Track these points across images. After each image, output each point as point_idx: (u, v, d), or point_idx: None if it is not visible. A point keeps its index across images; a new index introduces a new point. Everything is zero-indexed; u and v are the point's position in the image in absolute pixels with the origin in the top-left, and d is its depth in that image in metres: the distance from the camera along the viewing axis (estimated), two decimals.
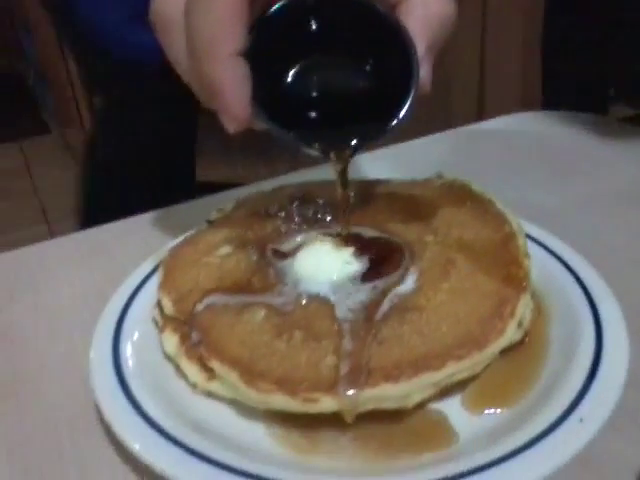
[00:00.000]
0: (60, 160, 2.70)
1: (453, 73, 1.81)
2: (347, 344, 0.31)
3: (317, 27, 0.36)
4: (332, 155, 0.37)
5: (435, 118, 0.88)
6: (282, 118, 0.35)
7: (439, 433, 0.31)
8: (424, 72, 0.35)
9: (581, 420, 0.29)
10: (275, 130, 0.35)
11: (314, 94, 0.37)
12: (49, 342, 0.42)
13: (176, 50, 0.36)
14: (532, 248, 0.39)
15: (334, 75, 0.37)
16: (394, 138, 0.66)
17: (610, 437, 0.31)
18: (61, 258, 0.51)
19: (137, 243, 0.51)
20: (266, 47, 0.34)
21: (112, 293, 0.40)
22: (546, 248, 0.41)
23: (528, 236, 0.40)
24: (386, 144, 0.64)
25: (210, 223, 0.44)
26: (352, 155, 0.37)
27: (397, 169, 0.47)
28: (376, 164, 0.60)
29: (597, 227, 0.49)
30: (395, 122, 0.35)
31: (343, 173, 0.38)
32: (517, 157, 0.63)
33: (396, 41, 0.35)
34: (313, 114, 0.37)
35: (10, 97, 3.20)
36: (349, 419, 0.30)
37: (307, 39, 0.36)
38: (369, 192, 0.43)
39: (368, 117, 0.37)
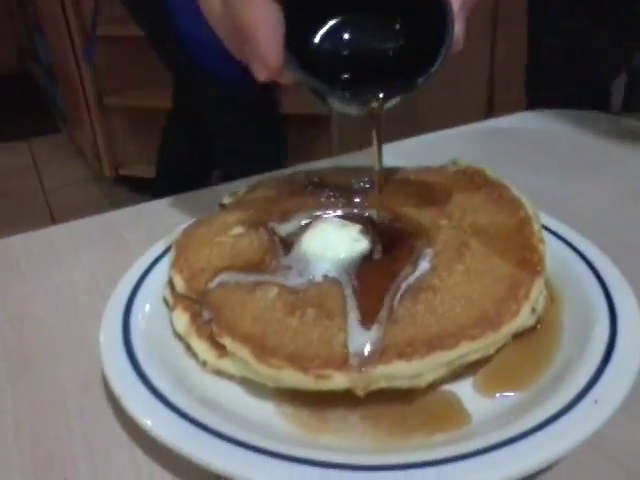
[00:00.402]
0: (68, 159, 2.71)
1: (463, 71, 1.81)
2: (360, 323, 0.31)
3: None
4: (362, 105, 0.36)
5: (445, 116, 0.87)
6: (313, 71, 0.34)
7: (452, 414, 0.31)
8: (458, 28, 0.34)
9: (596, 402, 0.29)
10: (307, 79, 0.34)
11: (345, 51, 0.37)
12: (60, 323, 0.42)
13: None
14: (546, 237, 0.39)
15: (365, 32, 0.37)
16: (405, 133, 0.66)
17: (624, 422, 0.31)
18: (73, 242, 0.51)
19: (150, 228, 0.51)
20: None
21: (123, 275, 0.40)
22: (560, 237, 0.40)
23: (542, 226, 0.40)
24: (397, 138, 0.65)
25: (223, 207, 0.44)
26: (382, 105, 0.36)
27: (408, 163, 0.46)
28: (388, 158, 0.60)
29: (609, 220, 0.49)
30: (426, 76, 0.35)
31: (374, 115, 0.37)
32: (526, 153, 0.63)
33: None
34: (343, 70, 0.36)
35: (21, 96, 3.23)
36: (361, 394, 0.30)
37: None
38: (384, 178, 0.43)
39: (398, 74, 0.36)
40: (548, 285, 0.38)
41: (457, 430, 0.30)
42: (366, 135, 0.64)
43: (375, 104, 0.36)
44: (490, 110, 1.92)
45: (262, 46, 0.32)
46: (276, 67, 0.33)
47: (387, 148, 0.62)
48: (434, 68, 0.34)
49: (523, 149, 0.64)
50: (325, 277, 0.34)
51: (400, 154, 0.62)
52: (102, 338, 0.35)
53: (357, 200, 0.41)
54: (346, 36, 0.36)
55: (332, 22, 0.36)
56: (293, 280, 0.34)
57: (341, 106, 0.37)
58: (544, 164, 0.61)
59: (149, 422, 0.30)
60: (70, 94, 2.49)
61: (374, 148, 0.38)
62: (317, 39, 0.36)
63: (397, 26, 0.37)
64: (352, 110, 0.37)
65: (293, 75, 0.34)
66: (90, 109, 2.36)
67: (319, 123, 2.07)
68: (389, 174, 0.44)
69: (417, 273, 0.33)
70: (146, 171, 2.38)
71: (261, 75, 0.34)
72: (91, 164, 2.53)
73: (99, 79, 2.31)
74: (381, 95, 0.36)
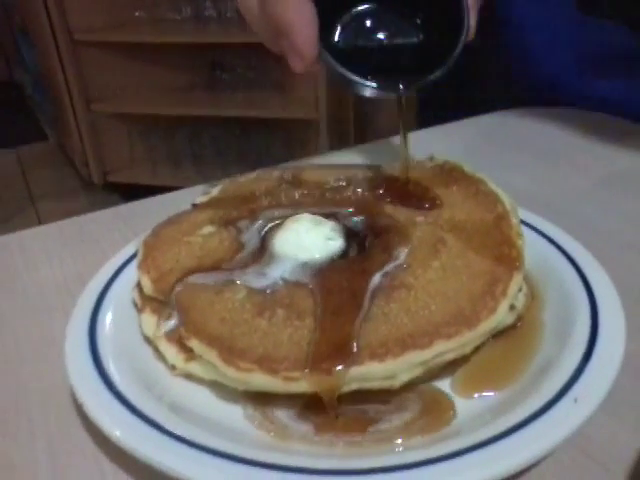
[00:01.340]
0: (56, 167, 2.69)
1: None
2: (331, 322, 0.30)
3: None
4: (390, 92, 0.40)
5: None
6: (342, 62, 0.38)
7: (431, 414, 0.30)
8: (472, 20, 0.38)
9: (575, 400, 0.28)
10: (341, 70, 0.37)
11: (369, 42, 0.41)
12: (27, 326, 0.40)
13: None
14: (526, 233, 0.38)
15: (387, 23, 0.41)
16: (390, 131, 0.66)
17: (605, 421, 0.30)
18: (44, 245, 0.50)
19: (124, 230, 0.50)
20: None
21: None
22: (540, 233, 0.39)
23: (522, 221, 0.39)
24: (385, 126, 0.64)
25: (195, 206, 0.42)
26: (406, 92, 0.39)
27: (392, 159, 0.46)
28: (368, 157, 0.59)
29: (589, 214, 0.49)
30: (445, 66, 0.38)
31: (400, 103, 0.40)
32: (508, 150, 0.63)
33: None
34: (368, 59, 0.40)
35: (8, 104, 3.21)
36: (328, 401, 0.28)
37: None
38: (360, 175, 0.42)
39: (418, 63, 0.40)
40: (529, 282, 0.37)
41: (435, 432, 0.29)
42: (357, 139, 0.64)
43: (402, 92, 0.39)
44: None
45: (299, 40, 0.36)
46: (311, 59, 0.36)
47: (366, 147, 0.63)
48: (452, 58, 0.38)
49: (500, 146, 0.64)
50: (296, 277, 0.33)
51: (379, 152, 0.62)
52: (67, 343, 0.33)
53: (332, 197, 0.40)
54: (370, 27, 0.40)
55: (357, 14, 0.40)
56: (263, 280, 0.33)
57: (369, 92, 0.39)
58: (520, 160, 0.60)
59: (116, 432, 0.28)
60: (57, 101, 2.47)
61: (400, 136, 0.41)
62: (344, 31, 0.40)
63: (417, 19, 0.40)
64: (378, 95, 0.40)
65: (326, 65, 0.38)
66: (77, 116, 2.35)
67: (309, 127, 2.06)
68: (366, 171, 0.43)
69: (391, 271, 0.32)
70: (135, 177, 2.37)
71: (297, 67, 0.37)
72: (79, 171, 2.52)
73: (86, 86, 2.30)
74: (404, 85, 0.39)
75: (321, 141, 2.00)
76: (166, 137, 2.37)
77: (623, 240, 0.45)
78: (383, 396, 0.30)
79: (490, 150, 0.62)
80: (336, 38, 0.40)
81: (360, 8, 0.40)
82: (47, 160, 2.77)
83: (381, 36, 0.41)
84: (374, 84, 0.38)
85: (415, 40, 0.41)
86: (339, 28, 0.40)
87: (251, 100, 2.18)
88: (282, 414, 0.30)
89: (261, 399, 0.31)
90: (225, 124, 2.25)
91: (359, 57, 0.40)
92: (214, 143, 2.33)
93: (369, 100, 1.91)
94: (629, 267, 0.41)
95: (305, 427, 0.29)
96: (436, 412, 0.30)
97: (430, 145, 0.45)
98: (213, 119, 2.23)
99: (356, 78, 0.38)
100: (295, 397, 0.29)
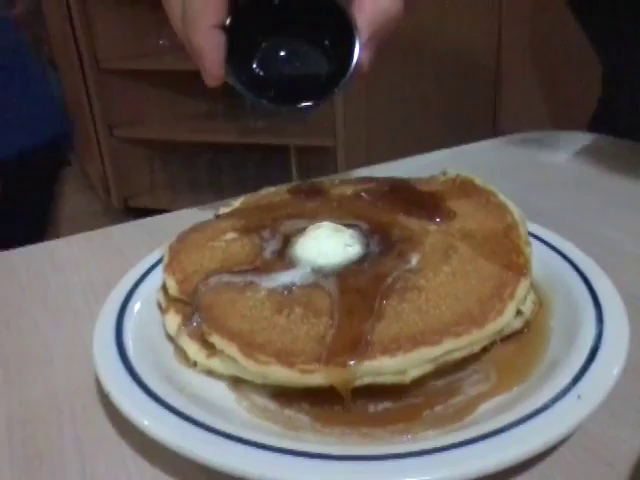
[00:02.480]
0: (78, 192, 2.74)
1: (468, 89, 1.84)
2: (346, 320, 0.32)
3: (287, 11, 0.44)
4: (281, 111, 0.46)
5: (450, 133, 0.89)
6: (254, 82, 0.44)
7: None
8: (364, 57, 0.43)
9: (579, 397, 0.29)
10: (239, 88, 0.44)
11: (279, 63, 0.46)
12: (56, 328, 0.42)
13: (175, 18, 0.44)
14: (535, 245, 0.39)
15: (298, 51, 0.46)
16: (407, 148, 0.68)
17: (609, 422, 0.31)
18: (72, 254, 0.52)
19: (148, 241, 0.52)
20: (246, 23, 0.43)
21: None
22: (548, 244, 0.41)
23: (531, 234, 0.40)
24: (401, 153, 0.66)
25: (218, 217, 0.45)
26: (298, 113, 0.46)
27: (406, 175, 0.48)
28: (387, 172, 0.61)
29: (599, 230, 0.50)
30: (326, 97, 0.45)
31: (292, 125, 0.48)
32: (526, 172, 0.64)
33: (348, 29, 0.43)
34: (275, 79, 0.46)
35: None
36: (344, 392, 0.30)
37: (276, 17, 0.45)
38: (373, 186, 0.44)
39: (317, 87, 0.45)
40: (537, 290, 0.38)
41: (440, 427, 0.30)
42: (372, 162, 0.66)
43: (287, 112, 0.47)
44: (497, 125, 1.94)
45: (206, 62, 0.42)
46: (218, 78, 0.43)
47: (388, 165, 0.65)
48: (334, 92, 0.44)
49: (521, 169, 0.65)
50: (315, 280, 0.35)
51: (393, 170, 0.64)
52: (95, 340, 0.35)
53: (349, 208, 0.42)
54: (285, 53, 0.46)
55: (277, 41, 0.46)
56: (283, 282, 0.35)
57: (266, 108, 0.46)
58: (538, 181, 0.62)
59: (142, 419, 0.29)
60: (81, 127, 2.54)
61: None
62: (257, 56, 0.45)
63: (325, 46, 0.45)
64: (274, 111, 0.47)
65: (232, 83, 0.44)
66: (100, 142, 2.41)
67: (326, 154, 2.09)
68: (379, 183, 0.45)
69: (404, 274, 0.34)
70: (155, 203, 2.41)
71: (208, 83, 0.43)
72: (100, 196, 2.56)
73: (110, 112, 2.36)
74: (289, 108, 0.46)
75: (338, 167, 2.03)
76: (186, 163, 2.42)
77: (630, 253, 0.47)
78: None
79: (506, 170, 0.64)
80: (254, 62, 0.46)
81: (279, 38, 0.46)
82: (69, 185, 2.81)
83: (292, 61, 0.46)
84: (265, 101, 0.44)
85: (319, 67, 0.46)
86: (258, 53, 0.45)
87: (270, 127, 2.22)
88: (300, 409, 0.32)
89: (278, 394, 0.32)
90: (244, 151, 2.30)
91: (271, 79, 0.46)
92: (233, 169, 2.37)
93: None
94: (635, 278, 0.43)
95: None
96: None
97: (448, 165, 0.46)
98: (232, 146, 2.28)
99: (249, 94, 0.44)
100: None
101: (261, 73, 0.45)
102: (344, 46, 0.43)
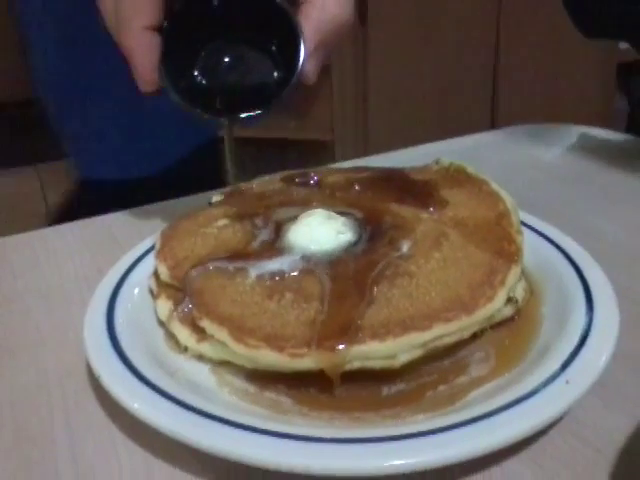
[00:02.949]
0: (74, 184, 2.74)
1: (466, 82, 1.84)
2: (337, 305, 0.32)
3: (228, 13, 0.41)
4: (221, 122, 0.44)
5: (447, 126, 0.89)
6: (195, 90, 0.42)
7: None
8: (309, 66, 0.40)
9: (567, 382, 0.29)
10: (173, 96, 0.41)
11: (222, 72, 0.43)
12: (47, 313, 0.42)
13: (107, 14, 0.41)
14: (527, 235, 0.39)
15: (243, 57, 0.43)
16: (404, 143, 0.68)
17: (597, 407, 0.32)
18: (65, 243, 0.52)
19: (142, 230, 0.51)
20: (184, 27, 0.40)
21: None
22: (540, 234, 0.41)
23: (523, 223, 0.40)
24: (399, 148, 0.67)
25: (211, 205, 0.45)
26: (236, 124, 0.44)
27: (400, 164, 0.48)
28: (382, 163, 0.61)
29: (592, 221, 0.50)
30: (265, 108, 0.42)
31: (229, 133, 0.45)
32: (520, 164, 0.64)
33: (293, 36, 0.40)
34: (218, 87, 0.43)
35: (30, 122, 3.28)
36: (333, 377, 0.30)
37: (220, 22, 0.42)
38: (366, 176, 0.44)
39: (262, 95, 0.43)
40: (529, 279, 0.38)
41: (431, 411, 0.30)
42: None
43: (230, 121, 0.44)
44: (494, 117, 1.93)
45: (137, 65, 0.39)
46: (150, 84, 0.40)
47: (385, 156, 0.65)
48: (273, 102, 0.42)
49: (516, 161, 0.65)
50: (306, 266, 0.35)
51: (388, 161, 0.64)
52: (86, 323, 0.35)
53: (342, 196, 0.42)
54: (226, 58, 0.43)
55: (216, 45, 0.43)
56: (274, 268, 0.35)
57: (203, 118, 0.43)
58: (533, 175, 0.62)
59: (132, 403, 0.30)
60: None
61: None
62: (199, 62, 0.43)
63: (270, 52, 0.43)
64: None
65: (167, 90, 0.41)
66: None
67: (324, 148, 2.09)
68: (372, 172, 0.45)
69: (395, 260, 0.34)
70: None
71: (140, 87, 0.40)
72: None
73: None
74: (229, 118, 0.43)
75: (336, 161, 2.02)
76: None
77: (620, 243, 0.47)
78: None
79: (502, 164, 0.64)
80: (194, 69, 0.43)
81: (220, 43, 0.43)
82: (66, 178, 2.82)
83: (235, 68, 0.44)
84: (199, 111, 0.42)
85: (265, 75, 0.43)
86: (198, 59, 0.43)
87: (267, 121, 2.21)
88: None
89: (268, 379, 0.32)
90: (241, 144, 2.29)
91: (213, 87, 0.43)
92: None
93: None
94: (629, 271, 0.43)
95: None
96: None
97: (444, 157, 0.46)
98: None
99: (182, 102, 0.41)
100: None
101: (203, 81, 0.43)
102: (291, 52, 0.41)
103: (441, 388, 0.32)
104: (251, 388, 0.32)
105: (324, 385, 0.31)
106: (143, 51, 0.39)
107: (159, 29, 0.39)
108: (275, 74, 0.43)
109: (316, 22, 0.40)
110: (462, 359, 0.33)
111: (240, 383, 0.33)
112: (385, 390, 0.32)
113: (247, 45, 0.43)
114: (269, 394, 0.32)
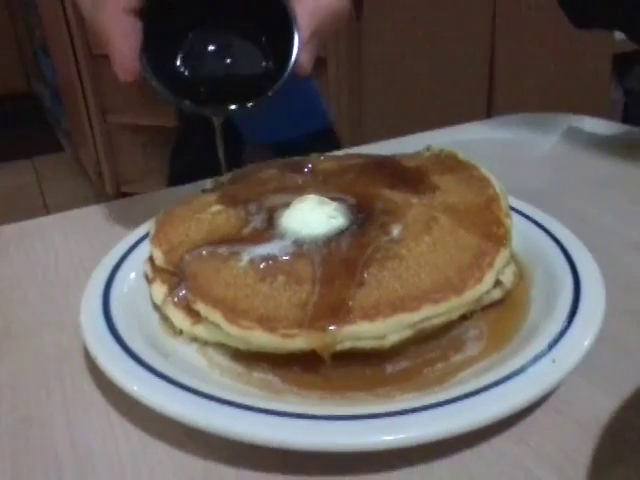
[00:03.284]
0: (71, 178, 2.74)
1: (461, 73, 1.84)
2: (328, 287, 0.32)
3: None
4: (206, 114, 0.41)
5: (443, 117, 0.89)
6: (177, 80, 0.39)
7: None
8: (304, 56, 0.38)
9: (553, 361, 0.30)
10: (156, 85, 0.38)
11: (208, 61, 0.41)
12: (45, 298, 0.43)
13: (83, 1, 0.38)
14: (516, 219, 0.40)
15: (231, 44, 0.41)
16: (400, 135, 0.68)
17: (582, 386, 0.32)
18: (62, 231, 0.53)
19: (140, 218, 0.52)
20: (167, 12, 0.38)
21: None
22: (530, 219, 0.42)
23: (513, 208, 0.41)
24: (395, 136, 0.67)
25: (205, 192, 0.45)
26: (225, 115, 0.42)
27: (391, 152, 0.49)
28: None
29: (582, 207, 0.51)
30: (260, 99, 0.40)
31: (219, 124, 0.42)
32: (513, 152, 0.65)
33: (286, 22, 0.38)
34: (203, 78, 0.41)
35: (26, 116, 3.28)
36: (325, 356, 0.31)
37: (203, 6, 0.39)
38: (358, 163, 0.45)
39: (250, 85, 0.41)
40: (518, 263, 0.39)
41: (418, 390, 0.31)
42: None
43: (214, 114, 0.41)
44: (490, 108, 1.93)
45: (116, 52, 0.37)
46: (130, 72, 0.37)
47: (378, 145, 0.66)
48: (270, 92, 0.39)
49: (507, 150, 0.66)
50: (298, 249, 0.36)
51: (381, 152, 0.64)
52: (83, 308, 0.36)
53: (334, 182, 0.42)
54: (213, 46, 0.41)
55: (202, 32, 0.40)
56: (267, 251, 0.35)
57: (190, 110, 0.41)
58: (525, 162, 0.62)
59: (129, 384, 0.30)
60: (74, 113, 2.53)
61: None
62: (184, 49, 0.40)
63: (260, 41, 0.41)
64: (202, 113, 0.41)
65: (148, 80, 0.38)
66: (93, 127, 2.40)
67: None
68: (364, 159, 0.45)
69: (385, 244, 0.35)
70: (147, 188, 2.40)
71: (119, 75, 0.38)
72: (93, 182, 2.56)
73: (103, 98, 2.35)
74: (216, 110, 0.41)
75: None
76: None
77: (616, 233, 0.48)
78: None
79: (496, 153, 0.64)
80: (178, 57, 0.41)
81: (206, 30, 0.41)
82: (62, 171, 2.82)
83: (223, 58, 0.42)
84: (187, 102, 0.40)
85: (253, 65, 0.41)
86: (182, 47, 0.41)
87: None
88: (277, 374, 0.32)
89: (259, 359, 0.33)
90: None
91: (197, 77, 0.41)
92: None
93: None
94: (619, 257, 0.44)
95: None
96: None
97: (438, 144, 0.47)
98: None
99: (166, 93, 0.39)
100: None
101: (186, 70, 0.40)
102: (282, 42, 0.38)
103: (439, 366, 0.33)
104: (239, 368, 0.33)
105: (308, 364, 0.32)
106: (122, 36, 0.36)
107: (139, 12, 0.37)
108: (264, 64, 0.41)
109: (311, 8, 0.38)
110: (457, 337, 0.34)
111: (228, 363, 0.33)
112: (386, 369, 0.32)
113: (233, 32, 0.41)
114: (257, 374, 0.32)
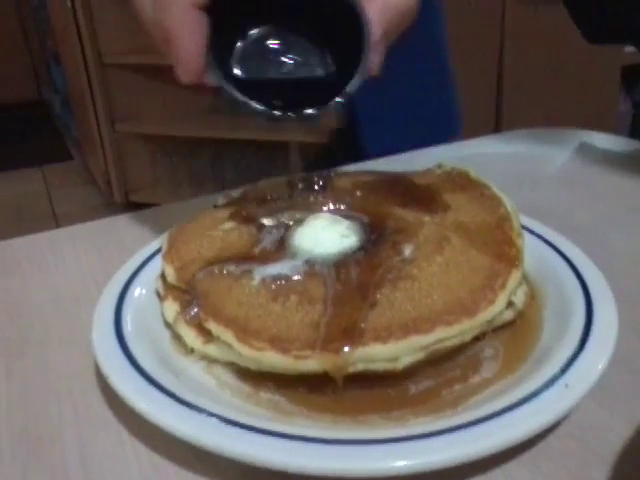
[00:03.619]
0: (80, 186, 2.76)
1: (470, 86, 1.84)
2: (340, 307, 0.32)
3: None
4: (276, 117, 0.38)
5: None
6: (236, 79, 0.37)
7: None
8: (375, 57, 0.36)
9: (566, 386, 0.30)
10: (227, 88, 0.36)
11: (273, 64, 0.39)
12: (56, 315, 0.43)
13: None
14: (528, 239, 0.40)
15: (292, 45, 0.39)
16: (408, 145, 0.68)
17: (595, 410, 0.32)
18: (74, 243, 0.53)
19: (150, 232, 0.52)
20: (232, 9, 0.35)
21: None
22: (541, 238, 0.42)
23: (524, 227, 0.41)
24: (400, 152, 0.67)
25: (217, 207, 0.45)
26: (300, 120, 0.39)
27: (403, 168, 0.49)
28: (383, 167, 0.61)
29: (595, 226, 0.51)
30: (333, 102, 0.37)
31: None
32: (523, 168, 0.65)
33: (354, 21, 0.36)
34: (268, 80, 0.39)
35: (36, 124, 3.30)
36: (337, 378, 0.31)
37: (270, 6, 0.37)
38: (370, 180, 0.45)
39: (318, 87, 0.39)
40: (529, 282, 0.39)
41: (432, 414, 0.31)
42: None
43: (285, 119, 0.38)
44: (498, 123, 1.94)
45: (181, 50, 0.34)
46: (195, 71, 0.35)
47: (386, 160, 0.66)
48: (343, 95, 0.37)
49: (519, 165, 0.66)
50: (310, 269, 0.36)
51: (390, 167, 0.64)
52: (95, 325, 0.36)
53: (346, 200, 0.42)
54: (274, 46, 0.39)
55: (262, 31, 0.38)
56: (279, 270, 0.36)
57: (259, 115, 0.38)
58: (538, 180, 0.62)
59: (140, 403, 0.30)
60: (84, 121, 2.54)
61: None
62: (244, 49, 0.38)
63: (324, 41, 0.39)
64: (269, 119, 0.39)
65: (214, 81, 0.36)
66: (102, 136, 2.41)
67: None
68: (375, 176, 0.45)
69: (397, 264, 0.35)
70: (156, 197, 2.42)
71: (181, 77, 0.35)
72: (102, 190, 2.57)
73: (112, 107, 2.37)
74: (291, 114, 0.38)
75: (338, 164, 2.03)
76: (188, 158, 2.42)
77: (620, 248, 0.48)
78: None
79: (505, 168, 0.64)
80: (239, 57, 0.38)
81: (267, 29, 0.39)
82: (71, 179, 2.83)
83: (285, 59, 0.39)
84: (261, 107, 0.37)
85: (317, 68, 0.39)
86: (243, 47, 0.38)
87: (271, 124, 2.22)
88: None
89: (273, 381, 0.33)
90: (246, 147, 2.30)
91: (261, 79, 0.39)
92: (234, 165, 2.37)
93: None
94: (630, 276, 0.43)
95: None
96: None
97: (447, 160, 0.47)
98: (234, 142, 2.28)
99: (241, 97, 0.36)
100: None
101: (244, 71, 0.38)
102: (345, 42, 0.36)
103: (456, 387, 0.32)
104: (246, 387, 0.33)
105: (313, 384, 0.32)
106: (190, 33, 0.34)
107: (206, 9, 0.34)
108: (324, 65, 0.39)
109: (381, 7, 0.36)
110: (474, 356, 0.34)
111: (235, 382, 0.33)
112: (409, 389, 0.32)
113: (291, 30, 0.38)
114: (264, 394, 0.32)
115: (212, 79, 0.36)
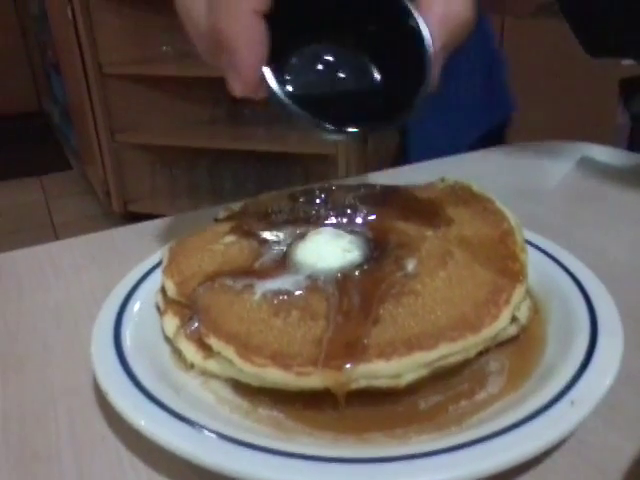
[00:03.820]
0: (79, 196, 2.76)
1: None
2: (343, 323, 0.32)
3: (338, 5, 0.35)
4: (336, 136, 0.37)
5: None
6: (289, 91, 0.34)
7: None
8: (435, 71, 0.34)
9: (572, 403, 0.29)
10: (283, 103, 0.34)
11: (323, 77, 0.37)
12: (54, 329, 0.43)
13: (195, 5, 0.34)
14: (532, 253, 0.40)
15: (347, 62, 0.37)
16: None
17: (600, 428, 0.32)
18: (72, 258, 0.53)
19: (149, 245, 0.52)
20: (286, 19, 0.32)
21: None
22: (544, 252, 0.41)
23: (527, 241, 0.41)
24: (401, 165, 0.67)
25: (217, 221, 0.45)
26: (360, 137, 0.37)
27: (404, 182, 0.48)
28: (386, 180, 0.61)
29: (597, 240, 0.51)
30: (399, 120, 0.36)
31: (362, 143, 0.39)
32: (524, 181, 0.65)
33: (412, 33, 0.34)
34: (319, 94, 0.37)
35: (36, 134, 3.31)
36: (340, 395, 0.30)
37: (326, 14, 0.35)
38: (372, 194, 0.44)
39: (373, 102, 0.37)
40: (533, 297, 0.38)
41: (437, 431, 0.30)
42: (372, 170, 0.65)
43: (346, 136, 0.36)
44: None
45: (240, 59, 0.32)
46: (252, 82, 0.32)
47: (380, 176, 0.65)
48: (411, 111, 0.35)
49: (510, 178, 0.66)
50: (312, 283, 0.35)
51: (392, 178, 0.64)
52: (94, 340, 0.35)
53: (348, 214, 0.42)
54: (326, 61, 0.37)
55: (315, 49, 0.37)
56: (281, 285, 0.35)
57: (322, 134, 0.36)
58: (542, 193, 0.62)
59: (139, 420, 0.30)
60: (83, 132, 2.55)
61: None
62: (297, 61, 0.36)
63: (378, 53, 0.37)
64: (330, 137, 0.37)
65: (268, 94, 0.34)
66: (102, 146, 2.42)
67: (326, 162, 2.10)
68: (377, 190, 0.45)
69: (400, 279, 0.34)
70: (154, 208, 2.42)
71: (236, 88, 0.33)
72: (100, 200, 2.57)
73: (111, 117, 2.37)
74: (355, 130, 0.36)
75: (339, 175, 2.04)
76: (187, 169, 2.42)
77: (624, 262, 0.48)
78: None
79: (505, 182, 0.64)
80: (290, 71, 0.36)
81: (319, 44, 0.37)
82: (70, 189, 2.84)
83: (339, 74, 0.38)
84: (329, 126, 0.35)
85: (372, 82, 0.38)
86: (294, 62, 0.36)
87: (271, 135, 2.23)
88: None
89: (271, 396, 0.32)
90: (245, 157, 2.30)
91: (313, 94, 0.37)
92: (233, 176, 2.38)
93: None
94: (633, 290, 0.43)
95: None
96: None
97: (449, 173, 0.46)
98: (233, 152, 2.28)
99: (304, 114, 0.34)
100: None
101: (293, 85, 0.35)
102: (396, 54, 0.35)
103: (463, 403, 0.32)
104: (244, 404, 0.32)
105: (310, 401, 0.31)
106: (251, 42, 0.31)
107: (266, 15, 0.31)
108: (372, 78, 0.37)
109: (441, 17, 0.34)
110: (480, 370, 0.34)
111: (232, 397, 0.33)
112: (418, 405, 0.32)
113: (345, 43, 0.37)
114: (262, 410, 0.32)
115: (270, 93, 0.33)
